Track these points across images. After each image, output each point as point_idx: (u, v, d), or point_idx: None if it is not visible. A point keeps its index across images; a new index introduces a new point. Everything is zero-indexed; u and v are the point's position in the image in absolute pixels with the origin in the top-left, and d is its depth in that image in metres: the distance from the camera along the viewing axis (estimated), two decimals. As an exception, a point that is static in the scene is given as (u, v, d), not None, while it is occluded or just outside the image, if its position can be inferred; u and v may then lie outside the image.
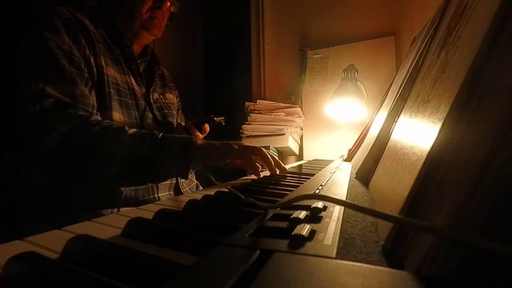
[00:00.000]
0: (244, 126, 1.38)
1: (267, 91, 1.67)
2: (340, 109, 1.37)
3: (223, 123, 0.95)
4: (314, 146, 1.56)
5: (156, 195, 0.71)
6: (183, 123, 0.95)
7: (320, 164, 1.04)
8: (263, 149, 0.61)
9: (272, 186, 0.51)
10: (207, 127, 0.91)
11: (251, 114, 1.40)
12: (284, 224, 0.23)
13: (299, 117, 1.43)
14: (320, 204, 0.27)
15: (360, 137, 1.07)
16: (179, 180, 0.78)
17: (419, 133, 0.25)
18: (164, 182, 0.73)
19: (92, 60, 0.66)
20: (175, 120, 0.90)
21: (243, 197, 0.35)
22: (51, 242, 0.24)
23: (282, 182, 0.55)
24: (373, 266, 0.15)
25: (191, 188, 0.84)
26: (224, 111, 1.01)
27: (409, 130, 0.30)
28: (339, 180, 0.50)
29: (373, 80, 1.40)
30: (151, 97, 0.81)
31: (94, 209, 0.61)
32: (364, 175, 0.51)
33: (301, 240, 0.19)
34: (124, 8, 0.76)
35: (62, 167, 0.57)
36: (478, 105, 0.16)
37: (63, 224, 0.29)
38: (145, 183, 0.68)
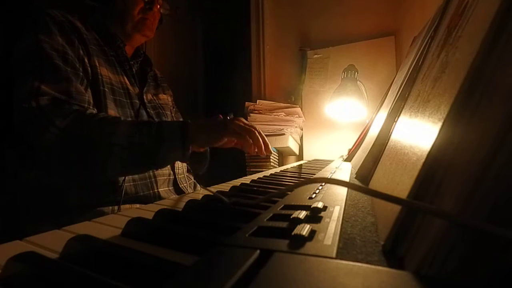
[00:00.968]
0: (244, 126, 1.37)
1: (267, 91, 1.67)
2: (340, 109, 1.37)
3: None
4: (314, 146, 1.56)
5: (156, 190, 0.72)
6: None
7: (320, 164, 1.04)
8: (257, 131, 0.61)
9: (271, 186, 0.51)
10: None
11: (251, 114, 1.40)
12: (284, 224, 0.23)
13: (299, 117, 1.43)
14: (320, 204, 0.27)
15: (360, 137, 1.07)
16: (176, 176, 0.79)
17: (419, 133, 0.25)
18: (163, 177, 0.74)
19: (86, 60, 0.67)
20: (168, 119, 0.90)
21: (228, 201, 0.35)
22: (51, 242, 0.24)
23: (282, 182, 0.55)
24: (373, 266, 0.15)
25: (190, 184, 0.85)
26: (224, 111, 1.01)
27: (409, 130, 0.30)
28: (339, 180, 0.50)
29: (373, 80, 1.40)
30: (145, 97, 0.81)
31: (94, 206, 0.61)
32: (364, 175, 0.51)
33: (301, 240, 0.19)
34: (116, 10, 0.77)
35: (62, 162, 0.58)
36: (478, 105, 0.16)
37: (63, 224, 0.29)
38: (146, 171, 0.69)
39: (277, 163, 1.43)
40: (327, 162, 1.13)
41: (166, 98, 0.94)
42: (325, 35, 1.57)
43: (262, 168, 1.29)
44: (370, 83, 1.40)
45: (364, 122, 1.30)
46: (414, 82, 0.43)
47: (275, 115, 1.39)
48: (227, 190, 0.48)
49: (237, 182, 0.61)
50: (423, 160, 0.19)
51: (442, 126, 0.18)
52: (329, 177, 0.24)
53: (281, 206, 0.29)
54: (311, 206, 0.27)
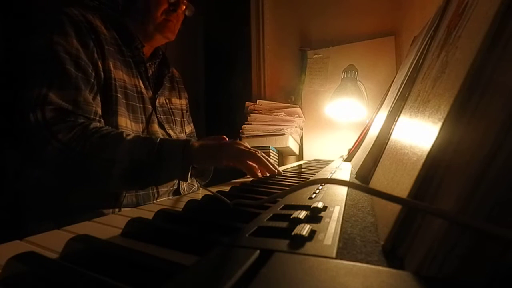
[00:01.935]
0: (244, 126, 1.38)
1: (267, 91, 1.67)
2: (340, 109, 1.37)
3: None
4: (314, 146, 1.56)
5: (157, 201, 0.71)
6: (190, 126, 0.95)
7: (320, 164, 1.04)
8: (258, 153, 0.61)
9: (272, 187, 0.51)
10: None
11: (251, 114, 1.40)
12: (284, 224, 0.23)
13: (299, 117, 1.43)
14: (320, 204, 0.27)
15: (360, 137, 1.07)
16: (180, 185, 0.78)
17: (419, 133, 0.25)
18: (165, 188, 0.74)
19: (100, 64, 0.65)
20: (177, 126, 0.90)
21: (229, 202, 0.35)
22: (51, 242, 0.24)
23: (281, 182, 0.55)
24: (373, 266, 0.15)
25: (193, 190, 0.84)
26: (224, 111, 1.01)
27: (409, 130, 0.30)
28: (339, 180, 0.50)
29: (373, 80, 1.40)
30: (157, 101, 0.81)
31: (95, 207, 0.61)
32: (364, 175, 0.51)
33: (301, 240, 0.19)
34: (137, 10, 0.75)
35: (64, 172, 0.58)
36: (478, 105, 0.16)
37: (63, 224, 0.29)
38: (147, 187, 0.68)
39: (277, 163, 1.43)
40: (327, 162, 1.13)
41: (179, 102, 0.93)
42: (325, 35, 1.57)
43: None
44: (370, 83, 1.40)
45: (364, 122, 1.30)
46: (414, 82, 0.43)
47: (275, 115, 1.39)
48: (227, 190, 0.48)
49: (238, 182, 0.61)
50: (423, 160, 0.19)
51: (442, 126, 0.18)
52: (329, 177, 0.24)
53: (281, 206, 0.29)
54: (311, 206, 0.27)
